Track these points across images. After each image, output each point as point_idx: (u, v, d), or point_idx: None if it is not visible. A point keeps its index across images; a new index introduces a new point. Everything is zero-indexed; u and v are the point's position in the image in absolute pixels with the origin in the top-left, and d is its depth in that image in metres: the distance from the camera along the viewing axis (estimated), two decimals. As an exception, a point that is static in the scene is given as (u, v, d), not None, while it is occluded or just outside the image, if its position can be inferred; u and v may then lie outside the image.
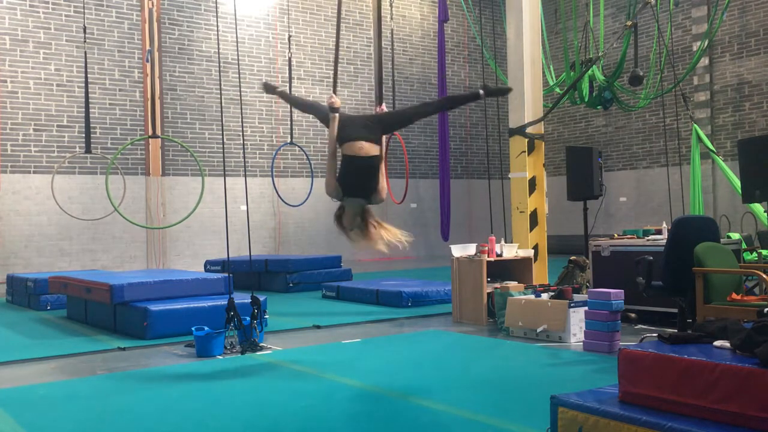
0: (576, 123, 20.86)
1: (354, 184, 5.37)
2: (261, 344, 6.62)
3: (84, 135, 12.21)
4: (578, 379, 5.02)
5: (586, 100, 12.13)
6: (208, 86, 16.84)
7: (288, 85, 14.00)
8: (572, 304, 6.53)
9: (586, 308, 6.25)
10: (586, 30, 13.06)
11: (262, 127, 17.60)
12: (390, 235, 5.42)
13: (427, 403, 4.54)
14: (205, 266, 13.47)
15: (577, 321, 6.49)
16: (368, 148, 5.38)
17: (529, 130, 8.99)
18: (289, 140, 13.94)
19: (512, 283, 7.81)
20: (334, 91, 5.76)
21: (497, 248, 8.06)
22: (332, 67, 19.88)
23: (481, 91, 5.67)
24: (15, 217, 14.51)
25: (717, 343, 3.24)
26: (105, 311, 7.81)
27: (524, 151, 8.95)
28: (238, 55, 7.90)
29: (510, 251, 8.18)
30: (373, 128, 5.51)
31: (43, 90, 14.96)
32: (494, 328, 7.40)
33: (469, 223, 19.77)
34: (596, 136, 20.20)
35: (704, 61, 17.29)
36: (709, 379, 2.90)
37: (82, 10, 14.14)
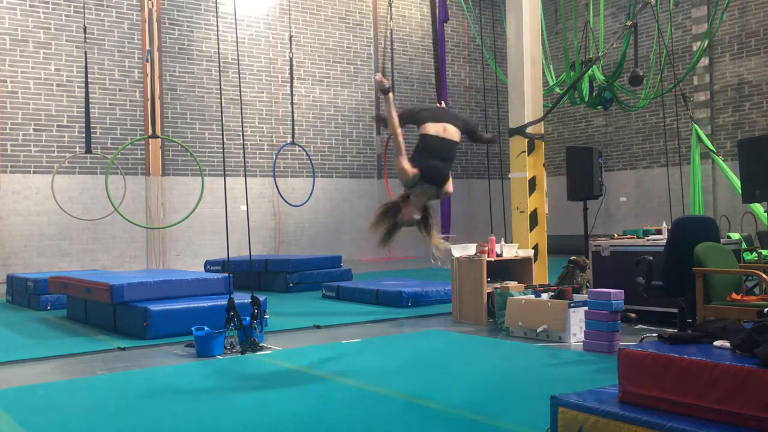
0: (576, 123, 20.86)
1: (434, 167, 5.19)
2: (261, 344, 6.62)
3: (84, 135, 12.22)
4: (578, 379, 5.02)
5: (586, 100, 12.12)
6: (208, 86, 16.84)
7: (289, 85, 14.01)
8: (572, 304, 6.53)
9: (586, 308, 6.25)
10: (586, 30, 13.04)
11: (262, 127, 17.59)
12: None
13: (427, 403, 4.54)
14: (205, 266, 13.47)
15: (577, 321, 6.49)
16: (452, 132, 5.32)
17: (529, 130, 8.99)
18: (289, 140, 13.94)
19: (512, 283, 7.81)
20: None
21: (497, 248, 8.06)
22: (332, 67, 19.75)
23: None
24: (15, 217, 14.51)
25: (717, 343, 3.24)
26: (105, 311, 7.81)
27: (524, 151, 8.95)
28: (238, 55, 7.90)
29: (510, 251, 8.18)
30: (455, 120, 5.49)
31: (43, 90, 14.96)
32: (494, 328, 7.40)
33: (469, 223, 19.76)
34: (596, 136, 20.20)
35: (704, 61, 17.29)
36: (709, 379, 2.90)
37: (82, 10, 14.14)
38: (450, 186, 5.32)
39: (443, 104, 6.35)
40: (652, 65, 13.93)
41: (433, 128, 5.27)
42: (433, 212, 5.41)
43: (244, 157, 9.53)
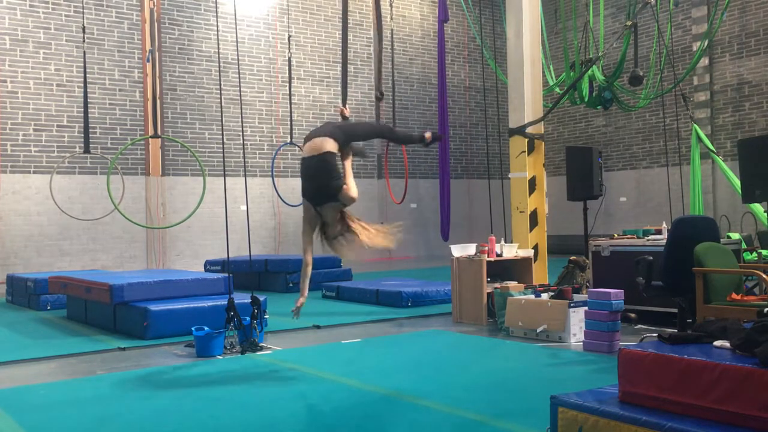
0: (576, 123, 20.86)
1: (306, 188, 5.31)
2: (261, 344, 6.62)
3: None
4: (578, 379, 5.02)
5: (586, 100, 12.12)
6: (208, 86, 16.84)
7: (288, 85, 14.00)
8: (572, 304, 6.53)
9: (586, 308, 6.25)
10: (586, 30, 13.05)
11: (262, 127, 17.60)
12: (379, 233, 5.42)
13: (427, 403, 4.54)
14: (205, 266, 13.47)
15: (577, 321, 6.49)
16: (317, 146, 5.26)
17: (529, 130, 8.99)
18: (289, 140, 13.94)
19: (512, 283, 7.81)
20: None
21: (497, 248, 8.06)
22: (332, 67, 19.74)
23: (427, 135, 5.88)
24: (15, 217, 14.51)
25: (717, 343, 3.24)
26: (105, 311, 7.81)
27: (524, 151, 8.95)
28: (238, 55, 7.91)
29: (510, 251, 8.18)
30: (328, 130, 5.44)
31: (43, 90, 14.96)
32: (494, 328, 7.40)
33: (469, 223, 19.77)
34: (596, 136, 20.20)
35: (704, 61, 17.28)
36: (709, 379, 2.91)
37: (82, 10, 14.14)
38: (349, 193, 5.22)
39: (346, 110, 6.18)
40: (652, 65, 13.92)
41: (305, 151, 5.39)
42: (351, 216, 5.42)
43: (244, 157, 9.54)
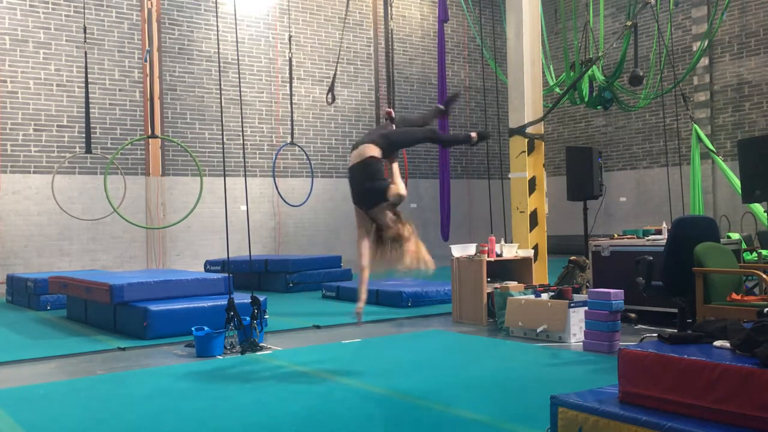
0: (576, 123, 20.86)
1: (353, 194, 5.54)
2: (261, 344, 6.62)
3: (84, 135, 12.21)
4: (578, 379, 5.02)
5: (586, 100, 12.12)
6: (208, 86, 16.83)
7: (288, 85, 14.00)
8: (572, 304, 6.53)
9: (586, 308, 6.25)
10: (586, 30, 13.05)
11: (262, 127, 17.59)
12: (423, 252, 5.46)
13: (427, 403, 4.54)
14: (205, 266, 13.47)
15: (577, 321, 6.49)
16: (358, 153, 5.49)
17: (529, 130, 8.99)
18: (289, 140, 13.94)
19: (512, 283, 7.82)
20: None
21: (497, 248, 8.07)
22: (332, 67, 19.69)
23: (473, 135, 5.96)
24: (15, 217, 14.50)
25: (717, 343, 3.24)
26: (105, 311, 7.81)
27: (524, 151, 8.96)
28: (238, 55, 7.91)
29: (510, 251, 8.18)
30: (371, 138, 5.63)
31: (43, 90, 14.95)
32: (494, 328, 7.40)
33: (469, 223, 19.76)
34: (596, 136, 20.20)
35: (704, 61, 17.28)
36: (709, 379, 2.91)
37: (82, 10, 14.13)
38: (397, 190, 5.37)
39: (391, 110, 6.26)
40: (652, 65, 13.92)
41: (350, 160, 5.60)
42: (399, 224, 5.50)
43: (244, 157, 9.53)
